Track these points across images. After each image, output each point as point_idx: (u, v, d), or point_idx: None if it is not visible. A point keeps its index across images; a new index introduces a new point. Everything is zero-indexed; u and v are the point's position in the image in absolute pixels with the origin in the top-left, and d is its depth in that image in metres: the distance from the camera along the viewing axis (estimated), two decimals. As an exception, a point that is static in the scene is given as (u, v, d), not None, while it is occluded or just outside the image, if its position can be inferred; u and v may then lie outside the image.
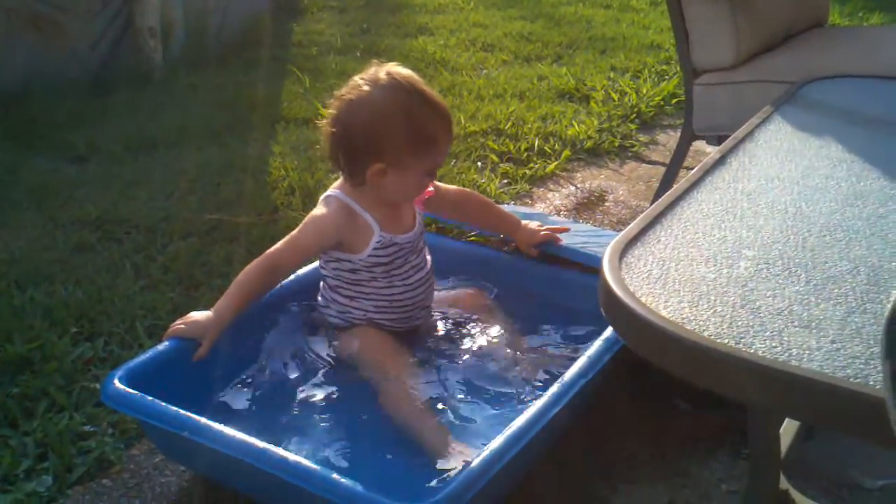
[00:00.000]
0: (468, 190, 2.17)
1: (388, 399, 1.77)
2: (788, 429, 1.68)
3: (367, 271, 1.90)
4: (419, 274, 1.97)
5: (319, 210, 1.87)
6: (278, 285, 1.97)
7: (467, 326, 2.05)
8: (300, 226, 1.86)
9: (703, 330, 0.88)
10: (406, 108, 1.79)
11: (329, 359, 1.92)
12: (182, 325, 1.75)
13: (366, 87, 1.82)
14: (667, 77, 4.54)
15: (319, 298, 1.99)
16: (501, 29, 5.47)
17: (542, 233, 2.21)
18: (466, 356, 1.95)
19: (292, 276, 2.04)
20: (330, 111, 1.87)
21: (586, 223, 2.87)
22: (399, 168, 1.82)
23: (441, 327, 2.05)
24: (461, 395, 1.83)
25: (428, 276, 2.00)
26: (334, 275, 1.92)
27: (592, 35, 5.38)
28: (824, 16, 3.32)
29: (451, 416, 1.77)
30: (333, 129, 1.84)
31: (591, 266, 2.14)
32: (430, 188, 1.99)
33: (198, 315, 1.76)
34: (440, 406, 1.79)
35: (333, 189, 1.91)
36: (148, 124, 3.61)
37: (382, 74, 1.82)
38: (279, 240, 2.55)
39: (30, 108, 3.72)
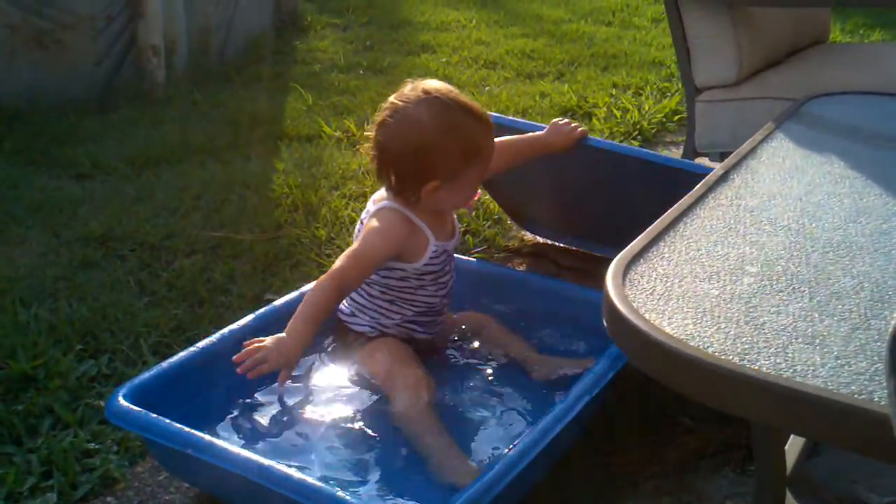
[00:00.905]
0: None
1: (401, 412, 1.76)
2: (794, 445, 1.68)
3: (416, 279, 1.93)
4: (452, 279, 2.02)
5: (380, 222, 1.87)
6: (284, 300, 2.01)
7: (474, 340, 2.06)
8: (362, 240, 1.85)
9: (708, 347, 0.89)
10: (450, 122, 1.81)
11: (340, 373, 1.92)
12: (263, 359, 1.66)
13: (406, 108, 1.82)
14: (669, 94, 4.55)
15: (345, 307, 2.00)
16: (503, 46, 5.48)
17: (579, 129, 2.22)
18: (474, 370, 1.96)
19: (307, 289, 2.05)
20: (371, 134, 1.87)
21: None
22: (452, 181, 1.84)
23: (451, 339, 2.07)
24: (470, 409, 1.83)
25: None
26: (383, 283, 1.93)
27: (594, 52, 5.40)
28: (825, 33, 3.33)
29: (460, 429, 1.77)
30: (380, 154, 1.85)
31: (649, 160, 2.25)
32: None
33: (272, 343, 1.68)
34: (452, 417, 1.80)
35: (385, 200, 1.91)
36: (151, 141, 3.62)
37: (419, 92, 1.83)
38: (283, 257, 2.60)
39: (33, 124, 3.73)
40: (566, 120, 2.25)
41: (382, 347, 1.91)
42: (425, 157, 1.81)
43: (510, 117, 2.51)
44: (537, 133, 2.24)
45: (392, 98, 1.86)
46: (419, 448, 1.69)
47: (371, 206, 1.94)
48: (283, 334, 1.71)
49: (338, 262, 1.80)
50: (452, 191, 1.87)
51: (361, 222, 1.94)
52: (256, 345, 1.68)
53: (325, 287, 1.77)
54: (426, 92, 1.83)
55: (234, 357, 1.67)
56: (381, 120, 1.86)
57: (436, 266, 1.94)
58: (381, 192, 1.95)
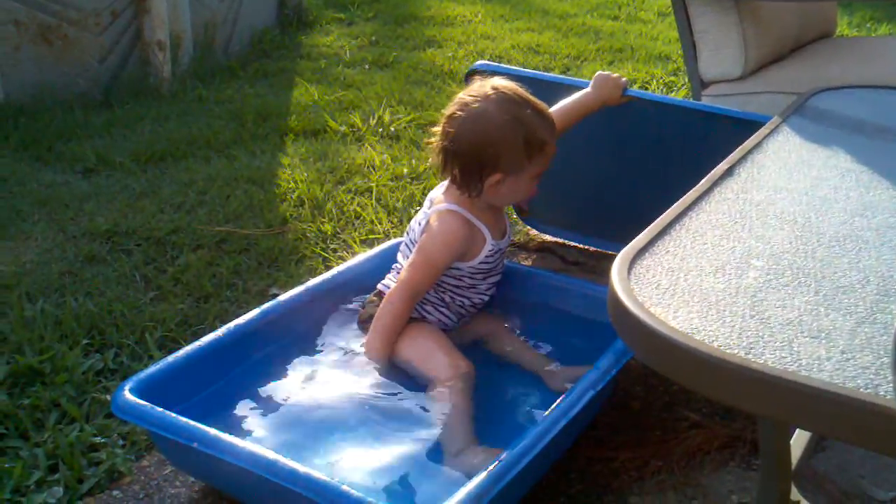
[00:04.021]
0: None
1: (440, 393, 1.80)
2: (799, 440, 1.68)
3: (469, 277, 2.00)
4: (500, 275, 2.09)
5: (443, 226, 1.93)
6: (289, 295, 2.03)
7: (487, 345, 2.07)
8: (426, 245, 1.93)
9: (713, 341, 0.88)
10: (515, 115, 1.87)
11: (357, 362, 1.93)
12: None
13: (475, 104, 1.89)
14: (675, 88, 4.54)
15: (391, 284, 2.01)
16: (509, 41, 5.48)
17: (622, 80, 2.24)
18: (483, 369, 1.96)
19: (313, 283, 2.08)
20: (440, 128, 1.94)
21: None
22: (514, 175, 1.90)
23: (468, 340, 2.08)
24: (480, 405, 1.84)
25: None
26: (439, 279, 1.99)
27: (600, 46, 5.39)
28: (832, 27, 3.32)
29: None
30: (448, 146, 1.91)
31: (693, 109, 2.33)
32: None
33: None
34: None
35: (447, 202, 1.96)
36: (157, 137, 3.63)
37: (488, 89, 1.90)
38: (288, 251, 2.61)
39: (39, 120, 3.74)
40: (607, 72, 2.26)
41: (423, 333, 1.95)
42: (490, 149, 1.87)
43: (553, 74, 2.50)
44: (585, 92, 2.22)
45: (462, 94, 1.94)
46: (444, 431, 1.71)
47: (428, 205, 2.00)
48: (364, 351, 1.89)
49: (406, 274, 1.91)
50: (514, 185, 1.92)
51: (419, 224, 1.99)
52: None
53: (403, 304, 1.91)
54: (494, 88, 1.90)
55: None
56: (450, 113, 1.92)
57: (489, 264, 2.00)
58: (438, 192, 2.01)
